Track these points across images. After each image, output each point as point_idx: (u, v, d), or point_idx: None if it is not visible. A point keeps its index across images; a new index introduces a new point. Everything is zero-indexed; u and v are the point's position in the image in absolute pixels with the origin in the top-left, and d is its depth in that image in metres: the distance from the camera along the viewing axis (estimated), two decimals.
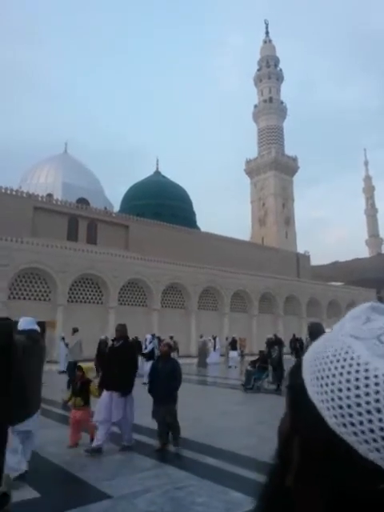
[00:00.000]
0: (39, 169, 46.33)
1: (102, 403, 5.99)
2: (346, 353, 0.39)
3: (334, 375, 0.39)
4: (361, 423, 0.36)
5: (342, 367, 0.39)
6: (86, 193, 44.31)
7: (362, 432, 0.36)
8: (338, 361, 0.39)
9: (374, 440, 0.35)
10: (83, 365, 6.85)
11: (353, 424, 0.36)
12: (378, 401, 0.35)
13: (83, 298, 29.70)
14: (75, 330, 14.96)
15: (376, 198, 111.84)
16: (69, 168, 46.16)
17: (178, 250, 39.49)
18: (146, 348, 14.79)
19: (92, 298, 30.09)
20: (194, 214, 52.43)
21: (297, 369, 0.45)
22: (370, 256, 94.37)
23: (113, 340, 7.07)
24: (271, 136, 62.81)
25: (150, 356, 13.92)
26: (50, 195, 39.67)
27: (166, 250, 37.93)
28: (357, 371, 0.37)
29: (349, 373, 0.38)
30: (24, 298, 26.98)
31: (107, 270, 29.88)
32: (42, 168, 46.28)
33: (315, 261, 65.28)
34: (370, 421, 0.35)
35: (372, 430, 0.35)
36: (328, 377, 0.39)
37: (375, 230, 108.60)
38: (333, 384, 0.39)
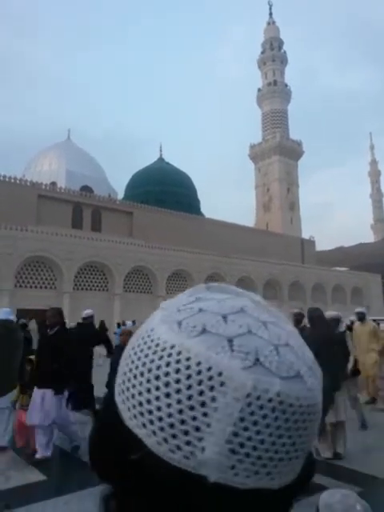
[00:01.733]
0: (42, 157, 46.21)
1: (34, 404, 5.00)
2: (146, 323, 0.38)
3: (132, 342, 0.38)
4: (127, 389, 0.34)
5: (138, 345, 0.36)
6: (90, 180, 44.22)
7: (127, 398, 0.34)
8: (138, 345, 0.36)
9: (133, 406, 0.33)
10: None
11: (122, 391, 0.35)
12: (150, 370, 0.33)
13: (89, 285, 29.93)
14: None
15: (382, 182, 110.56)
16: (72, 156, 45.99)
17: (183, 236, 39.50)
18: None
19: (97, 285, 30.32)
20: (198, 200, 52.24)
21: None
22: (375, 241, 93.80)
23: (45, 327, 5.66)
24: (275, 120, 62.00)
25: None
26: (53, 183, 39.65)
27: (171, 237, 37.95)
28: (142, 338, 0.36)
29: (137, 339, 0.36)
30: (30, 287, 27.26)
31: (112, 257, 30.02)
32: (45, 156, 46.14)
33: (320, 246, 65.15)
34: (133, 386, 0.34)
35: (133, 396, 0.34)
36: (126, 365, 0.36)
37: (381, 214, 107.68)
38: (125, 367, 0.36)
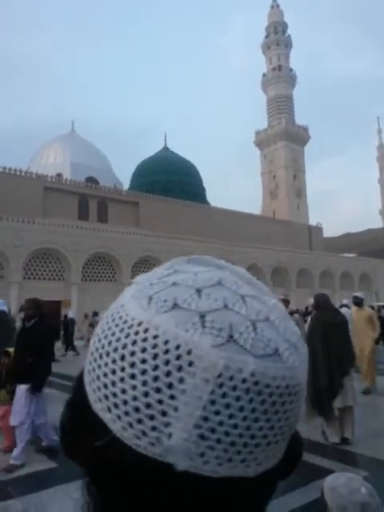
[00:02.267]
0: (47, 149, 46.19)
1: (17, 401, 4.64)
2: (118, 299, 0.36)
3: (102, 319, 0.36)
4: (93, 370, 0.33)
5: (107, 312, 0.35)
6: (95, 171, 44.17)
7: (92, 380, 0.32)
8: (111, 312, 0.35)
9: (98, 388, 0.31)
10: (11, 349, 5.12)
11: (88, 372, 0.33)
12: (116, 349, 0.31)
13: (97, 276, 30.08)
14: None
15: None
16: (77, 147, 45.91)
17: (189, 225, 39.42)
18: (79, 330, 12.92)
19: (105, 276, 30.46)
20: (204, 189, 51.99)
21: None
22: (383, 226, 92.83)
23: (23, 319, 5.39)
24: (281, 105, 61.17)
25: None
26: (59, 175, 39.68)
27: (177, 226, 37.90)
28: (111, 314, 0.34)
29: (106, 317, 0.34)
30: (38, 278, 27.46)
31: (118, 247, 30.09)
32: (50, 148, 46.12)
33: (327, 233, 64.66)
34: (99, 366, 0.32)
35: (98, 377, 0.32)
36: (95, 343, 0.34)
37: None
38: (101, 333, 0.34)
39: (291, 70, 62.62)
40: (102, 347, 0.32)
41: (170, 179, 46.01)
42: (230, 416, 0.28)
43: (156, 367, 0.29)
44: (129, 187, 47.82)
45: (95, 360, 0.32)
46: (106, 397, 0.30)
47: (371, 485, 1.34)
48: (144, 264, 32.17)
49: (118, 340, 0.31)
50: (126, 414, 0.29)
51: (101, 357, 0.32)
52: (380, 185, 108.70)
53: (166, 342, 0.29)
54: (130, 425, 0.29)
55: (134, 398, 0.29)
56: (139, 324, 0.30)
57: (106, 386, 0.30)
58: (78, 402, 0.34)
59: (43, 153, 45.95)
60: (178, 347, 0.29)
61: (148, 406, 0.29)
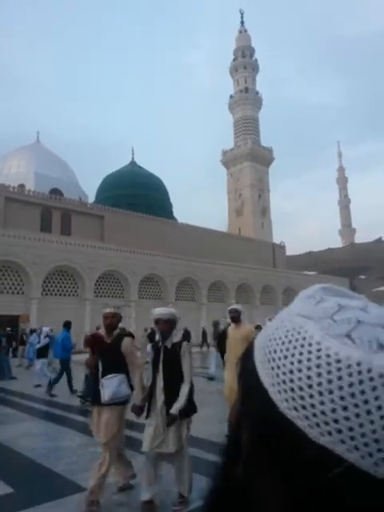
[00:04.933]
0: (10, 159, 44.98)
1: None
2: (299, 333, 0.37)
3: (285, 357, 0.36)
4: (312, 406, 0.34)
5: (294, 348, 0.36)
6: (60, 183, 43.36)
7: (314, 415, 0.34)
8: (289, 342, 0.37)
9: (326, 423, 0.33)
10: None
11: (304, 407, 0.34)
12: (330, 382, 0.33)
13: (58, 290, 29.16)
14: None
15: (349, 189, 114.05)
16: (41, 158, 45.00)
17: (155, 240, 39.23)
18: (39, 342, 12.75)
19: (67, 291, 29.59)
20: (171, 204, 52.13)
21: (248, 353, 0.42)
22: (342, 246, 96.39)
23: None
24: (247, 126, 62.87)
25: (40, 352, 12.04)
26: (21, 186, 38.60)
27: (143, 241, 37.60)
28: (309, 352, 0.35)
29: (301, 354, 0.35)
30: None
31: (82, 261, 29.40)
32: (13, 158, 44.93)
33: (290, 251, 66.20)
34: (322, 402, 0.33)
35: (323, 413, 0.33)
36: (279, 359, 0.37)
37: (348, 220, 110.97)
38: (284, 366, 0.36)
39: (257, 92, 64.70)
40: (319, 384, 0.33)
41: (137, 193, 45.82)
42: None
43: None
44: (94, 200, 47.16)
45: (312, 406, 0.34)
46: (339, 431, 0.32)
47: None
48: (108, 278, 31.57)
49: (340, 379, 0.33)
50: (365, 445, 0.32)
51: (321, 394, 0.33)
52: (340, 206, 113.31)
53: None
54: (370, 454, 0.31)
55: (373, 432, 0.31)
56: (358, 364, 0.33)
57: (336, 422, 0.33)
58: (275, 426, 0.35)
59: (6, 163, 44.65)
60: None
61: None
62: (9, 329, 14.02)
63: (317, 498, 0.33)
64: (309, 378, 0.34)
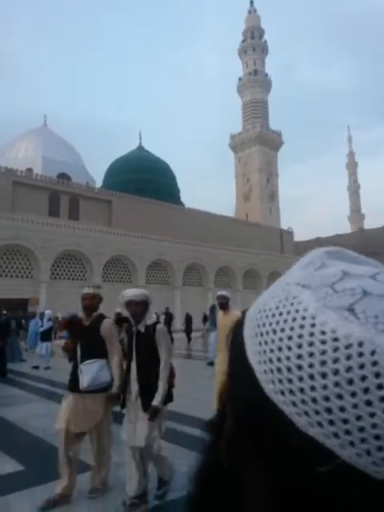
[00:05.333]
0: (18, 142, 44.90)
1: None
2: (291, 304, 0.32)
3: (274, 331, 0.31)
4: (301, 391, 0.29)
5: (285, 321, 0.31)
6: (68, 167, 43.30)
7: (303, 401, 0.29)
8: (280, 314, 0.32)
9: (316, 412, 0.28)
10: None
11: (292, 391, 0.29)
12: (323, 364, 0.28)
13: (66, 274, 29.39)
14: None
15: (358, 174, 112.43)
16: (49, 142, 44.86)
17: (162, 225, 39.19)
18: (41, 325, 12.91)
19: (75, 275, 29.81)
20: (179, 189, 51.90)
21: (238, 326, 0.37)
22: (351, 232, 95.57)
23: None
24: (256, 110, 61.91)
25: (45, 336, 12.23)
26: (29, 170, 38.62)
27: (150, 226, 37.60)
28: (301, 327, 0.30)
29: (291, 329, 0.30)
30: (6, 275, 26.54)
31: (90, 246, 29.52)
32: (21, 142, 44.85)
33: (298, 237, 65.85)
34: (313, 388, 0.28)
35: (314, 400, 0.28)
36: (267, 333, 0.32)
37: (357, 205, 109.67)
38: (272, 342, 0.31)
39: (267, 75, 63.50)
40: (310, 366, 0.28)
41: (144, 178, 45.64)
42: None
43: None
44: (102, 185, 47.08)
45: (300, 379, 0.29)
46: (331, 422, 0.28)
47: None
48: (116, 263, 31.71)
49: (336, 361, 0.27)
50: (363, 441, 0.27)
51: (312, 378, 0.28)
52: (349, 191, 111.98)
53: None
54: (368, 452, 0.27)
55: (374, 426, 0.27)
56: (360, 344, 0.27)
57: (329, 411, 0.28)
58: (261, 413, 0.31)
59: (13, 146, 44.60)
60: None
61: (374, 426, 0.27)
62: (4, 312, 13.94)
63: (304, 492, 0.29)
64: (299, 357, 0.29)
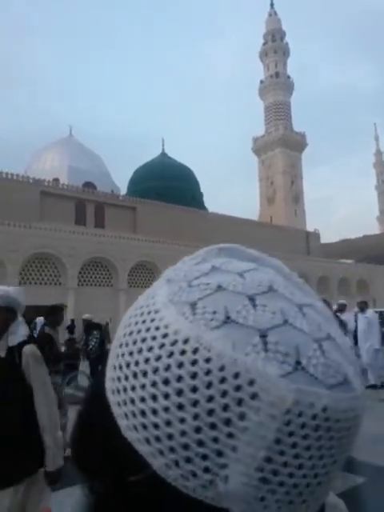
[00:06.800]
0: (45, 153, 46.20)
1: None
2: (152, 297, 0.30)
3: (127, 324, 0.30)
4: (124, 390, 0.27)
5: (135, 308, 0.31)
6: (93, 176, 44.18)
7: (124, 402, 0.26)
8: (136, 308, 0.31)
9: (133, 413, 0.26)
10: None
11: (117, 390, 0.27)
12: (147, 361, 0.26)
13: (93, 281, 29.96)
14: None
15: None
16: (74, 152, 45.94)
17: (186, 230, 39.42)
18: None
19: (102, 281, 30.34)
20: (202, 194, 52.06)
21: None
22: (380, 232, 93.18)
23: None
24: (279, 112, 61.49)
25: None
26: (56, 180, 39.66)
27: (174, 232, 37.88)
28: (143, 321, 0.28)
29: (136, 323, 0.29)
30: (35, 283, 27.31)
31: (115, 252, 30.01)
32: (47, 152, 46.14)
33: (325, 239, 64.70)
34: (133, 388, 0.26)
35: (132, 400, 0.26)
36: (123, 326, 0.30)
37: None
38: (124, 328, 0.30)
39: (288, 77, 63.01)
40: (136, 364, 0.26)
41: (168, 185, 46.05)
42: (296, 456, 0.24)
43: (210, 398, 0.24)
44: (126, 192, 47.81)
45: (126, 378, 0.27)
46: (144, 426, 0.25)
47: (370, 490, 1.28)
48: (141, 269, 32.07)
49: (158, 358, 0.25)
50: (172, 450, 0.24)
51: (135, 376, 0.26)
52: (377, 191, 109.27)
53: (222, 369, 0.24)
54: (176, 463, 0.24)
55: (183, 433, 0.24)
56: (185, 341, 0.25)
57: (143, 414, 0.25)
58: (99, 420, 0.29)
59: (40, 157, 45.93)
60: (236, 376, 0.23)
61: (200, 443, 0.24)
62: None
63: (119, 502, 0.27)
64: (127, 347, 0.28)
